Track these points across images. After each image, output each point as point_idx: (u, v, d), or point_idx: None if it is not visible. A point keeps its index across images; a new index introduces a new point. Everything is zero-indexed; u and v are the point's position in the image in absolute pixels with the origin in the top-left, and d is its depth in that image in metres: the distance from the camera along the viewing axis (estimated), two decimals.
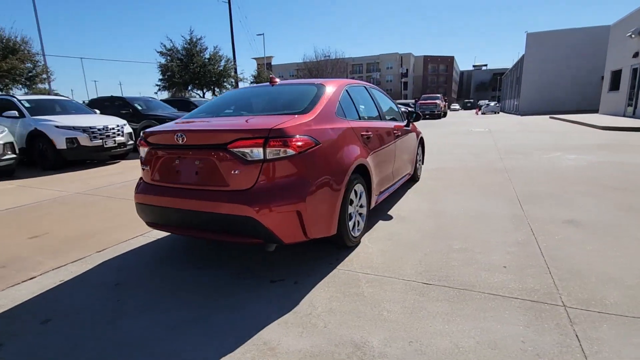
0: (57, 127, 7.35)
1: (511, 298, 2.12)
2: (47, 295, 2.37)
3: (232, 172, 2.26)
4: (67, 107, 8.94)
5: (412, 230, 3.32)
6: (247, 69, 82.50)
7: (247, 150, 2.24)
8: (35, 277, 2.62)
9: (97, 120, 8.11)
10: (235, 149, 2.25)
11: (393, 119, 4.47)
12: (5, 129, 6.85)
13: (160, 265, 2.76)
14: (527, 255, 2.69)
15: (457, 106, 63.07)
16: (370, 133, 3.25)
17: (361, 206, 3.07)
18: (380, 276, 2.46)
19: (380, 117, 3.85)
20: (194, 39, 26.80)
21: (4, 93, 13.40)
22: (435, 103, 28.27)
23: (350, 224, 2.85)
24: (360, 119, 3.32)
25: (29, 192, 5.34)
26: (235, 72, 29.50)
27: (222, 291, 2.32)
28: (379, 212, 3.86)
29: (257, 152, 2.23)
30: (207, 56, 27.30)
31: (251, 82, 34.59)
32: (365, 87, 3.86)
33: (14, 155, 6.65)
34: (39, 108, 8.19)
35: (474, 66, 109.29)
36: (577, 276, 2.34)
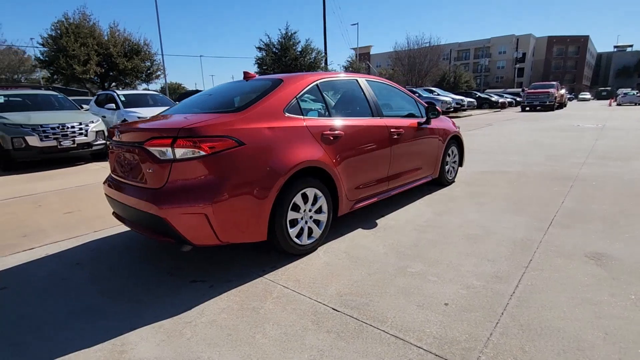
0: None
1: (413, 346, 1.71)
2: (26, 265, 2.78)
3: (148, 170, 2.30)
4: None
5: (382, 244, 2.93)
6: (341, 60, 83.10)
7: (158, 149, 2.24)
8: (34, 248, 3.11)
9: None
10: (150, 148, 2.28)
11: (408, 116, 3.98)
12: (99, 119, 8.12)
13: (122, 252, 2.99)
14: (490, 294, 2.13)
15: (587, 95, 53.14)
16: (340, 132, 2.95)
17: (317, 212, 2.83)
18: (295, 292, 2.24)
19: (373, 114, 3.44)
20: (289, 33, 28.05)
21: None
22: (548, 92, 24.27)
23: (294, 230, 2.65)
24: (330, 116, 3.03)
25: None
26: (326, 63, 30.01)
27: (144, 286, 2.40)
28: (365, 218, 3.51)
29: (168, 152, 2.22)
30: (299, 49, 28.34)
31: None
32: (356, 80, 3.49)
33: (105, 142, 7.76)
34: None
35: (615, 47, 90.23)
36: (530, 337, 1.76)
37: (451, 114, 19.96)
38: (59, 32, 16.00)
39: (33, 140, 6.61)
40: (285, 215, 2.55)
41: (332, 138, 2.88)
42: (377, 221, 3.46)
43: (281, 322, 1.94)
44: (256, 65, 28.51)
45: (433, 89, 23.92)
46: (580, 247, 2.71)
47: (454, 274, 2.39)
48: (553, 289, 2.16)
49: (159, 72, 20.43)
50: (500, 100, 29.91)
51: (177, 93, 44.03)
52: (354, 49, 55.85)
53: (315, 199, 2.80)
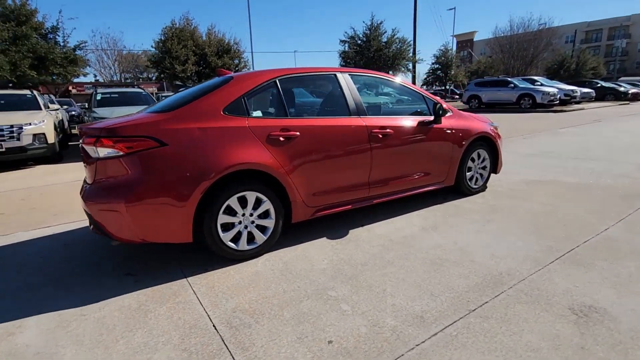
0: None
1: None
2: (22, 244, 3.26)
3: (86, 167, 2.46)
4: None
5: (330, 258, 2.64)
6: (433, 48, 77.51)
7: (87, 148, 2.37)
8: (42, 228, 3.62)
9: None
10: (84, 147, 2.42)
11: (411, 114, 3.51)
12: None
13: (89, 244, 3.22)
14: (391, 339, 1.74)
15: None
16: (295, 133, 2.72)
17: (262, 217, 2.68)
18: (197, 300, 2.16)
19: (350, 113, 3.07)
20: (375, 24, 27.34)
21: None
22: None
23: (229, 234, 2.55)
24: (286, 115, 2.81)
25: None
26: (414, 53, 28.50)
27: (83, 275, 2.59)
28: (340, 226, 3.21)
29: (94, 151, 2.32)
30: (384, 40, 27.44)
31: (432, 63, 32.52)
32: (334, 75, 3.15)
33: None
34: None
35: None
36: None
37: (556, 108, 17.10)
38: (165, 36, 18.43)
39: None
40: (216, 218, 2.47)
41: (282, 139, 2.68)
42: (351, 231, 3.14)
43: (155, 330, 1.89)
44: (340, 59, 28.57)
45: (536, 78, 20.78)
46: (573, 295, 2.03)
47: (374, 306, 2.01)
48: (480, 347, 1.66)
49: (245, 69, 22.03)
50: (632, 90, 24.45)
51: None
52: (455, 35, 51.77)
53: (258, 203, 2.65)
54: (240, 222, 2.61)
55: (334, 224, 3.29)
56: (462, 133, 3.76)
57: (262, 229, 2.72)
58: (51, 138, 6.97)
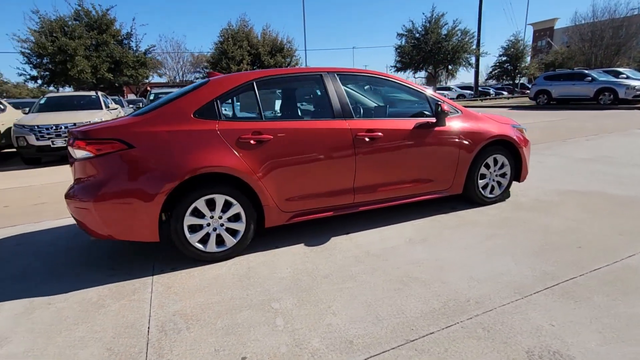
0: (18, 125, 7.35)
1: None
2: (46, 231, 3.64)
3: (70, 167, 2.65)
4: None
5: (296, 266, 2.55)
6: (502, 39, 71.02)
7: (69, 149, 2.56)
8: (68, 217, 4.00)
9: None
10: (68, 148, 2.61)
11: (411, 116, 3.26)
12: None
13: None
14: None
15: None
16: (268, 136, 2.67)
17: (233, 220, 2.68)
18: (146, 301, 2.22)
19: (334, 115, 2.92)
20: (435, 16, 26.02)
21: None
22: None
23: (197, 235, 2.59)
24: (262, 118, 2.75)
25: None
26: (478, 45, 26.66)
27: (75, 265, 2.81)
28: (324, 233, 3.09)
29: (72, 152, 2.50)
30: (444, 32, 26.00)
31: (498, 56, 30.01)
32: (320, 76, 3.01)
33: None
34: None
35: None
36: None
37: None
38: (223, 38, 19.49)
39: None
40: (182, 220, 2.52)
41: (253, 143, 2.64)
42: (333, 239, 3.00)
43: (96, 327, 1.98)
44: (396, 54, 27.70)
45: (623, 70, 18.12)
46: (541, 336, 1.70)
47: (309, 324, 1.89)
48: None
49: (296, 67, 22.48)
50: None
51: None
52: (532, 24, 47.18)
53: (228, 206, 2.65)
54: (208, 225, 2.63)
55: (319, 230, 3.18)
56: (472, 136, 3.39)
57: (233, 232, 2.71)
58: None
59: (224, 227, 2.68)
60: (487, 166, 3.58)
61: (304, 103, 3.09)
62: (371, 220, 3.34)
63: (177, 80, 18.64)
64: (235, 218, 2.70)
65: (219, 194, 2.60)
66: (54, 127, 7.26)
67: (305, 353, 1.68)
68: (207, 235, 2.64)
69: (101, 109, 8.60)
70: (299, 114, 3.08)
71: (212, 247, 2.66)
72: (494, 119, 3.63)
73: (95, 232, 2.48)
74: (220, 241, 2.68)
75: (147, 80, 21.62)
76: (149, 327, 1.94)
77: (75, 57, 16.68)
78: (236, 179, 2.62)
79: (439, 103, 3.21)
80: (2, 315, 2.14)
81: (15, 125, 7.44)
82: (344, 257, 2.65)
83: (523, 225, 3.07)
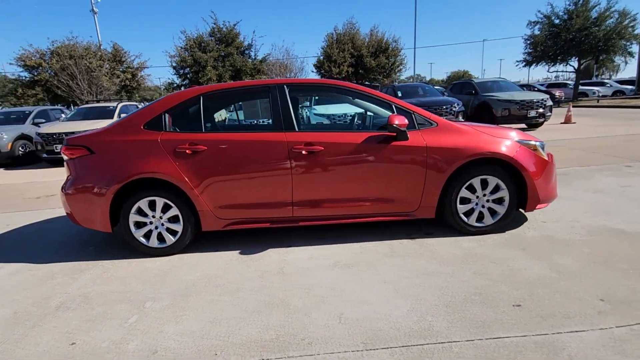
0: None
1: None
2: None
3: None
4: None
5: (199, 274, 2.69)
6: None
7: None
8: None
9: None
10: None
11: (383, 127, 2.99)
12: None
13: None
14: None
15: None
16: (202, 147, 2.87)
17: (172, 222, 2.98)
18: (70, 279, 2.70)
19: (276, 128, 2.91)
20: None
21: None
22: None
23: (141, 231, 2.98)
24: (201, 130, 2.96)
25: None
26: None
27: (80, 245, 3.56)
28: (264, 243, 3.12)
29: (63, 155, 3.17)
30: (594, 15, 21.30)
31: None
32: (267, 87, 3.01)
33: None
34: None
35: None
36: None
37: None
38: (327, 43, 20.33)
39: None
40: (128, 216, 2.95)
41: (188, 153, 2.88)
42: (270, 250, 3.01)
43: (20, 297, 2.53)
44: (526, 45, 24.00)
45: None
46: None
47: (147, 327, 2.03)
48: None
49: (401, 67, 21.69)
50: None
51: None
52: None
53: (168, 208, 2.96)
54: (151, 222, 2.99)
55: (269, 239, 3.21)
56: (445, 153, 2.90)
57: (173, 232, 3.01)
58: None
59: (165, 227, 3.00)
60: (473, 189, 2.99)
61: (249, 115, 3.16)
62: (323, 236, 3.20)
63: None
64: (175, 220, 2.99)
65: (159, 197, 2.92)
66: (57, 135, 8.39)
67: (120, 351, 1.84)
68: (150, 232, 3.00)
69: (112, 118, 9.35)
70: (239, 126, 3.17)
71: (154, 242, 3.01)
72: (484, 132, 3.00)
73: (72, 219, 3.11)
74: (161, 239, 3.02)
75: None
76: (56, 302, 2.39)
77: (206, 67, 19.85)
78: (173, 184, 2.90)
79: (410, 114, 2.85)
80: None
81: (36, 133, 8.86)
82: (255, 271, 2.66)
83: (484, 267, 2.50)
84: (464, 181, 2.96)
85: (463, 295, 2.15)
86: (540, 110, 10.09)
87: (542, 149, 3.10)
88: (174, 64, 20.33)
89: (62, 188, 3.11)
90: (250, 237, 3.28)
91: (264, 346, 1.80)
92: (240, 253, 3.00)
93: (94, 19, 22.45)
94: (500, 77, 14.67)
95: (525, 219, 3.33)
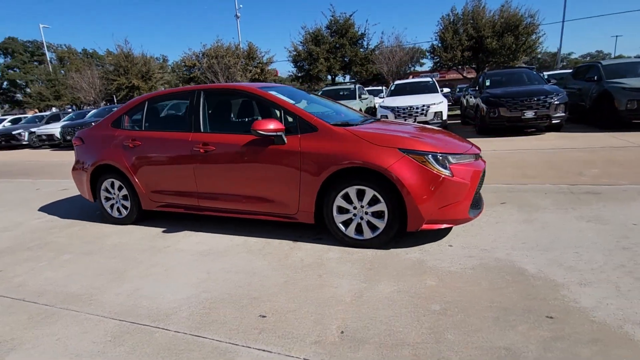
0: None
1: None
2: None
3: None
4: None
5: (115, 240, 3.44)
6: None
7: None
8: None
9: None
10: None
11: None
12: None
13: None
14: None
15: None
16: (138, 142, 3.61)
17: (122, 198, 3.86)
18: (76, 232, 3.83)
19: (188, 128, 3.38)
20: None
21: None
22: None
23: (108, 204, 3.96)
24: (141, 128, 3.68)
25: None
26: None
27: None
28: (180, 226, 3.67)
29: None
30: None
31: None
32: (194, 93, 3.46)
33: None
34: None
35: None
36: None
37: None
38: (443, 26, 18.55)
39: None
40: (99, 191, 3.96)
41: (130, 146, 3.65)
42: (182, 232, 3.55)
43: (28, 236, 3.78)
44: None
45: None
46: None
47: None
48: None
49: (535, 46, 18.03)
50: None
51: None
52: None
53: (121, 188, 3.83)
54: (112, 198, 3.93)
55: (192, 223, 3.76)
56: (320, 159, 2.85)
57: (125, 207, 3.88)
58: (445, 115, 9.45)
59: (120, 203, 3.89)
60: (349, 200, 2.84)
61: (171, 117, 3.69)
62: (233, 227, 3.53)
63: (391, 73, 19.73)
64: (125, 198, 3.85)
65: (115, 180, 3.82)
66: (408, 108, 9.26)
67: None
68: (112, 205, 3.95)
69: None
70: (167, 126, 3.72)
71: (115, 214, 3.95)
72: (372, 139, 2.76)
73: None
74: (119, 211, 3.92)
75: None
76: (37, 244, 3.53)
77: (318, 60, 21.09)
78: (121, 171, 3.74)
79: (268, 120, 2.93)
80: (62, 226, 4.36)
81: (380, 106, 9.81)
82: (151, 247, 3.26)
83: (301, 274, 2.47)
84: (338, 190, 2.84)
85: (233, 294, 2.26)
86: None
87: (445, 160, 2.67)
88: (290, 58, 22.28)
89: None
90: (190, 220, 3.86)
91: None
92: (164, 231, 3.64)
93: (237, 23, 26.44)
94: None
95: (437, 238, 2.93)
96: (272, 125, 2.89)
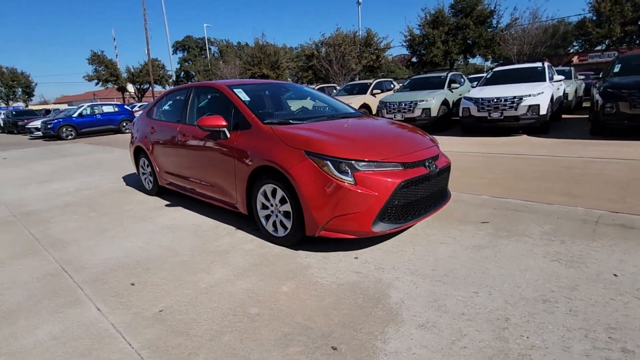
0: None
1: None
2: None
3: None
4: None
5: (109, 205, 4.30)
6: None
7: None
8: None
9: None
10: None
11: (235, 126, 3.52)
12: None
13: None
14: None
15: None
16: (154, 129, 4.41)
17: (150, 174, 4.76)
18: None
19: (182, 120, 3.95)
20: None
21: None
22: None
23: (143, 178, 4.95)
24: (159, 119, 4.43)
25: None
26: None
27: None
28: (170, 211, 4.32)
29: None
30: None
31: None
32: (186, 91, 4.00)
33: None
34: None
35: None
36: None
37: None
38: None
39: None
40: (139, 166, 4.98)
41: (151, 132, 4.48)
42: (176, 207, 4.21)
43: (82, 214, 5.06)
44: None
45: None
46: None
47: None
48: None
49: None
50: None
51: None
52: None
53: (149, 165, 4.73)
54: (145, 173, 4.88)
55: (196, 204, 4.39)
56: (245, 156, 3.05)
57: (150, 181, 4.78)
58: (544, 110, 7.50)
59: (149, 178, 4.81)
60: (266, 196, 2.94)
61: (175, 109, 4.25)
62: (211, 209, 4.00)
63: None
64: (151, 174, 4.73)
65: (145, 158, 4.75)
66: (494, 100, 7.80)
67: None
68: (145, 179, 4.91)
69: (544, 81, 8.44)
70: (171, 116, 4.30)
71: (147, 186, 4.91)
72: (288, 140, 2.76)
73: None
74: (148, 184, 4.86)
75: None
76: (87, 203, 4.75)
77: (435, 44, 19.68)
78: (141, 149, 4.63)
79: (210, 116, 3.22)
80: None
81: (464, 97, 8.53)
82: (147, 215, 4.01)
83: (191, 258, 2.75)
84: (259, 186, 2.97)
85: (137, 263, 2.70)
86: None
87: (348, 167, 2.50)
88: (406, 44, 21.34)
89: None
90: (195, 201, 4.52)
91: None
92: (166, 205, 4.37)
93: (358, 10, 26.56)
94: None
95: (356, 247, 2.77)
96: (211, 122, 3.18)
